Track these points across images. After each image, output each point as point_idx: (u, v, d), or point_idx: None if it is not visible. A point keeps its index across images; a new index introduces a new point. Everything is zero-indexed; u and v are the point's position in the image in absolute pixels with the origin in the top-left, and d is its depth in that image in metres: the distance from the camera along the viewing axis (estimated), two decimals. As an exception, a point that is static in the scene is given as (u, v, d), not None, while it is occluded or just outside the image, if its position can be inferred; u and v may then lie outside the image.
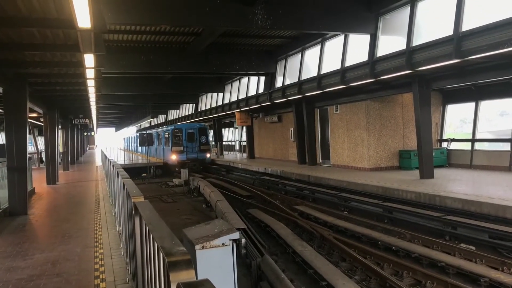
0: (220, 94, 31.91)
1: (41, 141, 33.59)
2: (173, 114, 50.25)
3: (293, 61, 21.44)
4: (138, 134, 44.52)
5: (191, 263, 1.84)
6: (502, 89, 15.95)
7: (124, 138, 66.03)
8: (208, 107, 34.63)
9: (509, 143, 15.88)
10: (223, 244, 4.59)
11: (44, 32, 7.99)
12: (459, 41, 11.19)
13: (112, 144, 61.74)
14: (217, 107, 31.91)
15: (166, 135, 30.58)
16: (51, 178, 18.25)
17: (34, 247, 7.46)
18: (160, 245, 2.22)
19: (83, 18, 5.87)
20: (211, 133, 39.77)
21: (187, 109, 42.39)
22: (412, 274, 7.66)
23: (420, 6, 13.45)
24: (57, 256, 6.80)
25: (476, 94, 17.14)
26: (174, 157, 27.93)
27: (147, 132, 38.30)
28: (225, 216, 10.69)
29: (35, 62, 10.58)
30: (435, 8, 13.19)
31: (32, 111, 18.33)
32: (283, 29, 17.05)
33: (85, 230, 8.66)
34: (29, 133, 33.03)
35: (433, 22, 13.33)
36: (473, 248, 8.87)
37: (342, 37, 17.17)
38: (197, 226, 5.74)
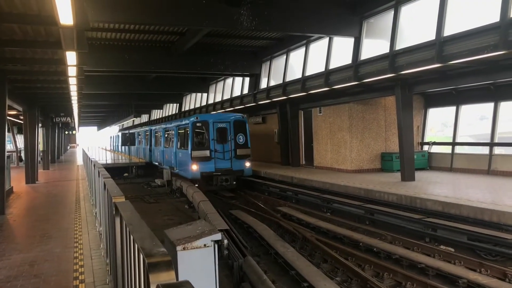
0: (205, 94, 31.78)
1: (20, 139, 32.96)
2: (156, 114, 49.86)
3: (278, 63, 21.49)
4: (132, 132, 36.10)
5: (171, 264, 1.82)
6: (482, 94, 16.27)
7: (111, 137, 54.45)
8: (192, 107, 34.46)
9: (488, 147, 16.19)
10: (204, 245, 4.57)
11: (25, 28, 7.85)
12: (441, 46, 11.37)
13: (94, 143, 60.46)
14: (201, 107, 31.76)
15: (182, 132, 19.44)
16: (30, 177, 17.91)
17: (11, 248, 7.30)
18: (140, 246, 2.19)
19: (65, 14, 5.78)
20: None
21: (171, 109, 42.11)
22: (392, 275, 7.74)
23: (403, 11, 13.64)
24: (36, 256, 6.67)
25: (457, 98, 17.44)
26: (195, 167, 17.30)
27: (149, 128, 29.18)
28: (207, 217, 10.65)
29: (15, 59, 10.37)
30: (418, 13, 13.39)
31: (11, 108, 17.98)
32: (268, 31, 17.10)
33: (65, 230, 8.51)
34: (8, 131, 32.43)
35: (416, 27, 13.52)
36: (452, 250, 9.01)
37: (326, 39, 17.29)
38: (179, 227, 5.70)
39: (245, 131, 18.54)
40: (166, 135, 22.89)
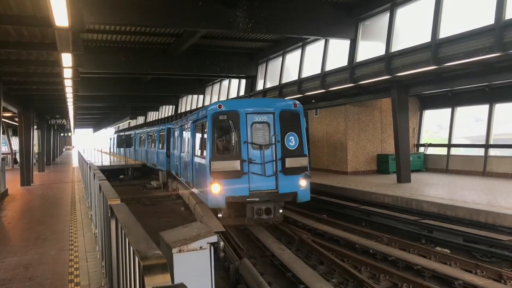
0: (201, 96, 31.75)
1: (15, 141, 32.81)
2: (152, 116, 49.75)
3: (274, 65, 21.52)
4: (137, 132, 31.83)
5: (166, 267, 1.82)
6: (477, 96, 16.36)
7: (111, 138, 48.02)
8: (188, 109, 34.42)
9: (483, 149, 16.27)
10: (200, 247, 4.56)
11: (20, 30, 7.82)
12: (436, 48, 11.42)
13: (90, 145, 60.05)
14: (197, 109, 31.71)
15: (198, 129, 12.98)
16: (26, 180, 17.82)
17: (6, 250, 7.25)
18: (135, 248, 2.18)
19: (61, 16, 5.76)
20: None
21: (167, 110, 42.03)
22: (388, 277, 7.74)
23: (399, 13, 13.69)
24: (30, 259, 6.62)
25: (452, 100, 17.52)
26: (216, 189, 10.74)
27: (157, 128, 24.61)
28: (203, 219, 10.62)
29: (11, 61, 10.34)
30: (414, 15, 13.44)
31: (6, 110, 17.90)
32: (264, 33, 17.12)
33: (60, 233, 8.46)
34: (3, 133, 32.28)
35: (411, 29, 13.57)
36: (448, 251, 9.03)
37: (322, 41, 17.32)
38: (175, 229, 5.68)
39: (299, 127, 11.32)
40: (178, 134, 16.70)
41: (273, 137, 10.94)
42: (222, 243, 8.57)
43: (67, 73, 10.96)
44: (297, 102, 11.47)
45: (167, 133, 20.52)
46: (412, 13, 13.47)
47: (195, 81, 29.74)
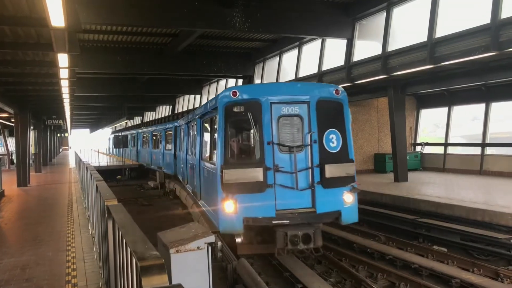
0: (198, 96, 31.73)
1: (12, 142, 32.69)
2: (149, 116, 49.69)
3: (271, 64, 21.51)
4: (141, 131, 28.63)
5: (164, 267, 1.81)
6: (473, 95, 16.41)
7: (110, 138, 44.44)
8: (185, 109, 34.38)
9: (480, 147, 16.31)
10: (198, 247, 4.55)
11: (16, 30, 7.78)
12: (432, 47, 11.45)
13: (87, 145, 59.96)
14: (194, 110, 31.65)
15: (207, 122, 10.16)
16: (22, 180, 17.76)
17: (2, 252, 7.23)
18: (132, 249, 2.17)
19: (57, 16, 5.74)
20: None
21: (164, 111, 41.98)
22: (386, 276, 7.76)
23: (395, 12, 13.71)
24: (27, 260, 6.60)
25: (449, 99, 17.57)
26: (229, 208, 7.85)
27: (164, 126, 20.71)
28: (201, 219, 10.61)
29: (6, 61, 10.28)
30: (410, 15, 13.46)
31: (2, 111, 17.84)
32: (261, 32, 17.11)
33: (57, 234, 8.44)
34: None
35: (408, 28, 13.60)
36: (445, 250, 9.06)
37: (319, 41, 17.33)
38: (172, 229, 5.67)
39: (342, 122, 8.59)
40: (184, 133, 13.98)
41: (308, 135, 8.07)
42: (219, 243, 8.55)
43: (64, 73, 10.92)
44: (340, 88, 8.70)
45: (175, 132, 17.37)
46: (409, 13, 13.50)
47: (192, 81, 29.70)
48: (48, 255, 6.86)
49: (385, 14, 13.89)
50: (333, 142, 8.24)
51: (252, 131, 8.11)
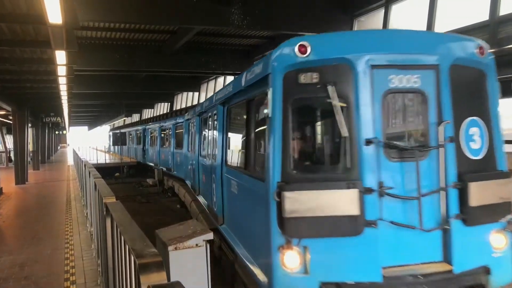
0: (196, 93, 31.70)
1: (10, 140, 32.66)
2: (147, 113, 49.68)
3: (269, 62, 21.44)
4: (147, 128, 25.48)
5: (162, 265, 1.81)
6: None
7: (110, 136, 42.51)
8: (183, 106, 34.35)
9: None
10: (196, 244, 4.56)
11: (13, 27, 7.76)
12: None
13: (85, 143, 59.92)
14: (192, 107, 31.65)
15: (242, 108, 6.20)
16: (20, 178, 17.75)
17: (1, 250, 7.23)
18: (131, 247, 2.18)
19: (54, 13, 5.73)
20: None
21: (162, 108, 41.97)
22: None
23: (394, 9, 13.70)
24: (26, 258, 6.61)
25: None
26: (295, 261, 4.18)
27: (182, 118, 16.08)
28: (199, 217, 10.62)
29: (4, 58, 10.26)
30: (409, 11, 13.45)
31: (0, 108, 17.80)
32: (259, 30, 17.06)
33: (56, 231, 8.45)
34: (-2, 132, 32.10)
35: (406, 25, 13.58)
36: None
37: (317, 38, 17.30)
38: (171, 227, 5.68)
39: (486, 105, 4.89)
40: (196, 128, 10.84)
41: (440, 128, 4.47)
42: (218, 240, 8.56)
43: (61, 70, 10.92)
44: (484, 44, 5.01)
45: (187, 127, 14.23)
46: (407, 9, 13.48)
47: (190, 78, 29.67)
48: (47, 253, 6.87)
49: (383, 11, 13.88)
50: (475, 141, 4.72)
51: (335, 119, 4.37)
